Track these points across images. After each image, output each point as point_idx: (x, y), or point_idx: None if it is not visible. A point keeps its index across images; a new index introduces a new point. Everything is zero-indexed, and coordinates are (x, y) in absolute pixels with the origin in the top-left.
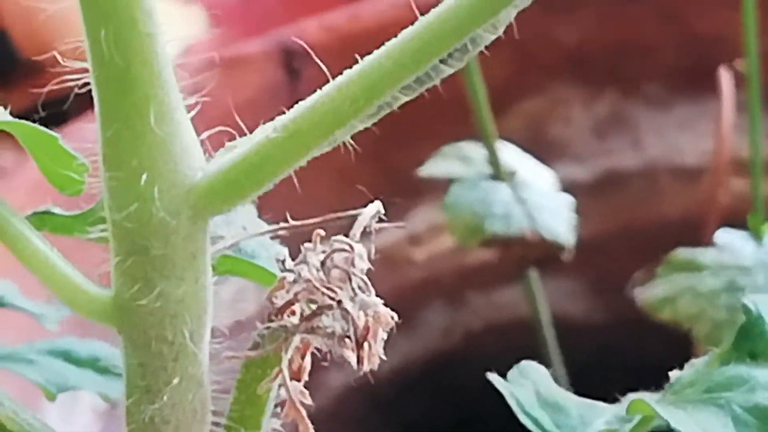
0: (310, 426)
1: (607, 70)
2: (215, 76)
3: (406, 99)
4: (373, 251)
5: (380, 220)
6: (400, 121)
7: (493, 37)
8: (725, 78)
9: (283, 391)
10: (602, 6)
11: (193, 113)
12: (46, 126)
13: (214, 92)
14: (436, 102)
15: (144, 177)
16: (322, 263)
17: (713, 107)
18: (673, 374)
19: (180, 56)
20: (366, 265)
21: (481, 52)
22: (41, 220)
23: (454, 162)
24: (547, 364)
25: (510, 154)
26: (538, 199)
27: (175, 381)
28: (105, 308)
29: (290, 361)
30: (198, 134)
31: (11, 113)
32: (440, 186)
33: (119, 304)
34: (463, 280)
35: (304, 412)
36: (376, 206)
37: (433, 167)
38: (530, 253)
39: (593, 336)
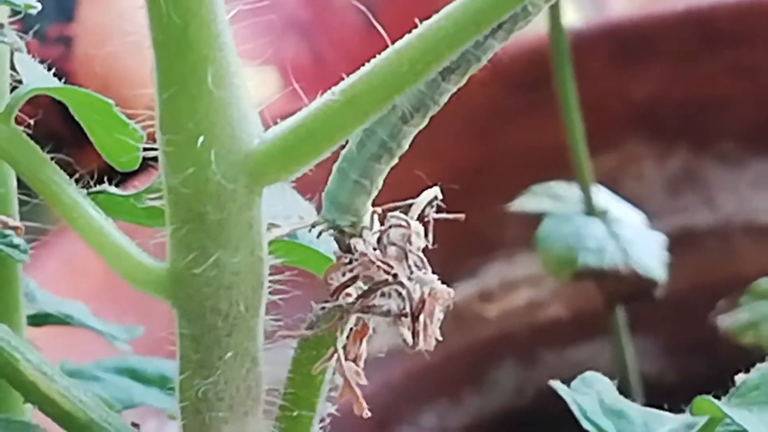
0: (365, 406)
1: (680, 126)
2: None
3: (454, 87)
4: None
5: (439, 210)
6: (472, 177)
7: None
8: None
9: (337, 375)
10: (674, 61)
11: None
12: (118, 186)
13: None
14: (510, 161)
15: (200, 140)
16: (378, 240)
17: None
18: (739, 378)
19: None
20: (423, 242)
21: (555, 109)
22: (96, 199)
23: (545, 199)
24: None
25: (601, 195)
26: (631, 235)
27: (229, 355)
28: (159, 279)
29: (347, 346)
30: None
31: (86, 172)
32: (512, 242)
33: (174, 275)
34: (535, 338)
35: (359, 392)
36: (434, 192)
37: (524, 203)
38: (622, 288)
39: (666, 394)
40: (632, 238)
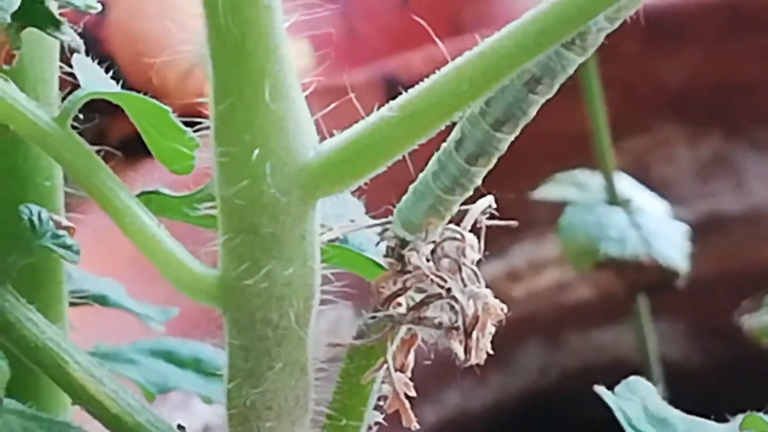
0: (413, 418)
1: (712, 110)
2: (319, 106)
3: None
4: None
5: (491, 216)
6: (502, 158)
7: (616, 25)
8: None
9: (386, 384)
10: (709, 44)
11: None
12: (148, 155)
13: (318, 120)
14: (536, 139)
15: (256, 153)
16: (432, 252)
17: None
18: None
19: None
20: (477, 255)
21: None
22: (148, 199)
23: (569, 188)
24: None
25: (625, 184)
26: (654, 225)
27: (279, 366)
28: (210, 288)
29: (395, 354)
30: None
31: (114, 140)
32: (541, 223)
33: (225, 284)
34: (561, 319)
35: (407, 404)
36: (488, 200)
37: (547, 191)
38: (644, 278)
39: (691, 379)
40: (655, 228)
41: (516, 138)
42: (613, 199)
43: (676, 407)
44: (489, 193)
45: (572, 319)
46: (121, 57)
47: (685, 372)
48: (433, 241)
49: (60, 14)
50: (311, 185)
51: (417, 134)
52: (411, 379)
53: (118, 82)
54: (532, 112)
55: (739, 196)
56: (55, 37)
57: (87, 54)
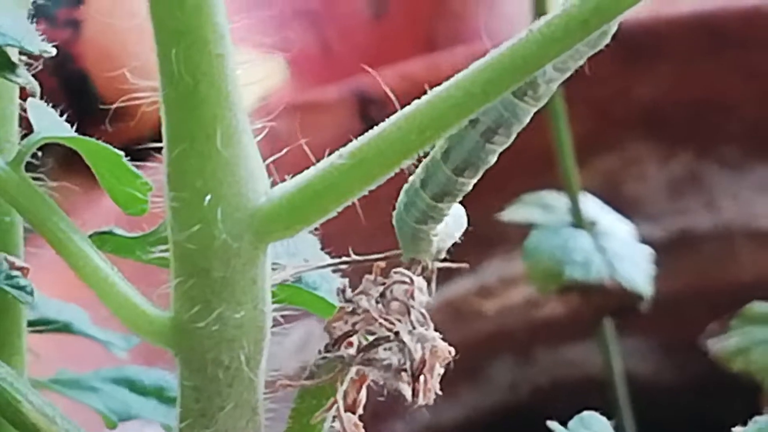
0: None
1: (684, 128)
2: (292, 122)
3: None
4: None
5: (443, 259)
6: None
7: (565, 76)
8: None
9: (337, 423)
10: (680, 63)
11: (259, 138)
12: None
13: (291, 137)
14: (507, 157)
15: (208, 198)
16: (382, 295)
17: None
18: (737, 431)
19: (259, 102)
20: (426, 298)
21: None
22: (102, 240)
23: (535, 209)
24: (619, 423)
25: (591, 205)
26: (618, 248)
27: (230, 406)
28: (162, 329)
29: (345, 393)
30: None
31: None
32: (512, 239)
33: (177, 326)
34: (532, 335)
35: None
36: None
37: (514, 213)
38: (608, 302)
39: (662, 396)
40: (619, 252)
41: None
42: (579, 221)
43: (647, 424)
44: (463, 205)
45: (543, 335)
46: (94, 73)
47: (656, 389)
48: (383, 284)
49: (35, 27)
50: (262, 230)
51: (366, 181)
52: (380, 396)
53: (91, 99)
54: (492, 159)
55: (711, 214)
56: (11, 81)
57: (61, 70)
